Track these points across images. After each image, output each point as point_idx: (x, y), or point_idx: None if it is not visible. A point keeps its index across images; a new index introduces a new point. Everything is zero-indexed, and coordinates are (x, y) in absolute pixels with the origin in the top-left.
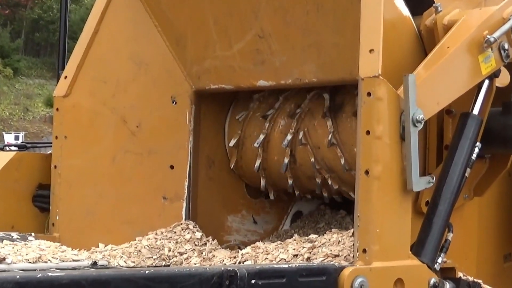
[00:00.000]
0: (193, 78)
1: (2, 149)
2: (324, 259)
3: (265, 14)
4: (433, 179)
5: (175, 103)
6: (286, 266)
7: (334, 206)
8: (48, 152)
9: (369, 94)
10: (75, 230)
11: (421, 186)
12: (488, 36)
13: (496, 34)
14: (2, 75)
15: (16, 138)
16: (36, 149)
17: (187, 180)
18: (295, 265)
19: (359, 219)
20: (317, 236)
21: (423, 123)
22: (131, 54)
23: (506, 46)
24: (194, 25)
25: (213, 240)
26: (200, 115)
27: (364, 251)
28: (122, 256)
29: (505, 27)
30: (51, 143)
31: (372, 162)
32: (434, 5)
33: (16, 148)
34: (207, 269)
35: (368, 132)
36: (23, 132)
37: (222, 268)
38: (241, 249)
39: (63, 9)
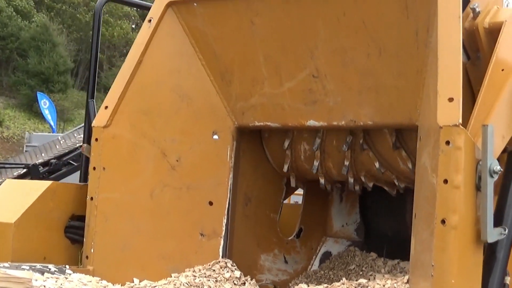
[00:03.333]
0: (236, 114)
1: None
2: None
3: (322, 54)
4: (505, 230)
5: (217, 138)
6: None
7: (363, 247)
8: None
9: (448, 143)
10: (109, 263)
11: (494, 237)
12: None
13: None
14: None
15: None
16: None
17: (225, 217)
18: None
19: (434, 269)
20: (367, 281)
21: (498, 174)
22: (174, 87)
23: None
24: (242, 61)
25: (251, 279)
26: (240, 151)
27: None
28: None
29: None
30: (18, 164)
31: (450, 212)
32: (471, 6)
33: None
34: None
35: (445, 181)
36: None
37: None
38: None
39: (95, 35)
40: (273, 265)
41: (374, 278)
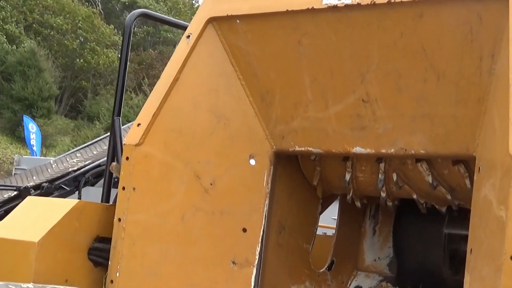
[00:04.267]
0: (275, 137)
1: None
2: None
3: (373, 78)
4: None
5: (254, 163)
6: None
7: (396, 283)
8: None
9: None
10: None
11: None
12: None
13: None
14: None
15: None
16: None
17: (259, 245)
18: None
19: None
20: None
21: None
22: (211, 106)
23: None
24: (285, 82)
25: None
26: (276, 177)
27: None
28: None
29: None
30: (8, 186)
31: None
32: None
33: None
34: None
35: None
36: None
37: None
38: None
39: (124, 51)
40: None
41: None
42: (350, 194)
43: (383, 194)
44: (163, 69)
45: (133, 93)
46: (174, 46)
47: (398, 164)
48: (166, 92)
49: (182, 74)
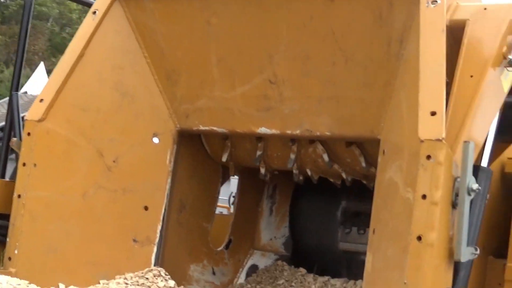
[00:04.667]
0: (179, 116)
1: None
2: None
3: (282, 60)
4: (476, 250)
5: (157, 141)
6: None
7: (291, 262)
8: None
9: (429, 157)
10: (34, 266)
11: (467, 256)
12: (510, 57)
13: None
14: None
15: None
16: None
17: (160, 223)
18: None
19: (407, 287)
20: None
21: (476, 192)
22: (116, 84)
23: None
24: (192, 61)
25: None
26: (179, 155)
27: None
28: None
29: None
30: None
31: (427, 229)
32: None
33: None
34: None
35: (424, 197)
36: None
37: None
38: None
39: (24, 27)
40: (201, 276)
41: None
42: (264, 174)
43: (301, 178)
44: (35, 43)
45: (4, 66)
46: (47, 21)
47: (310, 162)
48: (71, 68)
49: (87, 50)
